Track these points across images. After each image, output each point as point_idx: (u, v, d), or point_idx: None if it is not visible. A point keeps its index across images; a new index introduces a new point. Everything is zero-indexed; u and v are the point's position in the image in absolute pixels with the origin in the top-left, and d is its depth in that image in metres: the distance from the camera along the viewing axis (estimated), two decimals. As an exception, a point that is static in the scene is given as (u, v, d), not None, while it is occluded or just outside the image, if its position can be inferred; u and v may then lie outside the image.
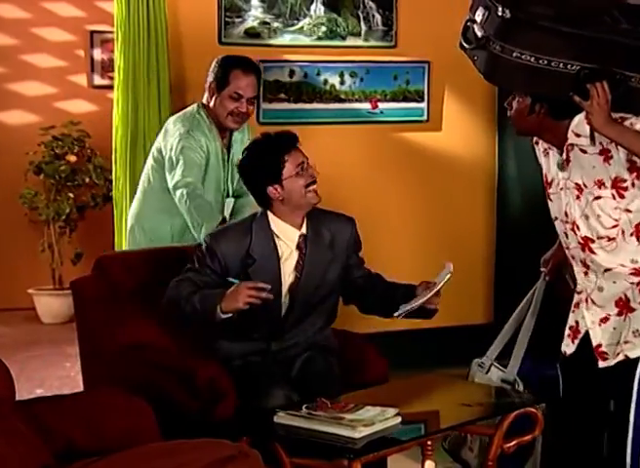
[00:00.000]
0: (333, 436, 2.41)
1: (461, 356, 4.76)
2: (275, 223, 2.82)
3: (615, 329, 2.70)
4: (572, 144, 2.68)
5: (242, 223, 2.89)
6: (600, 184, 2.67)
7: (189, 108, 3.55)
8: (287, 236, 2.83)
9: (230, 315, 2.69)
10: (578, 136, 2.67)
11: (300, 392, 2.76)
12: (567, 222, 2.76)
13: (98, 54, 6.04)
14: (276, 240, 2.82)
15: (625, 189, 2.64)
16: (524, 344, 3.03)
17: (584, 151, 2.67)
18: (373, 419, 2.48)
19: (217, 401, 2.62)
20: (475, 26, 2.55)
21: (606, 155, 2.65)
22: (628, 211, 2.65)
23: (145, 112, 4.04)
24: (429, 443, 2.82)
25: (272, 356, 2.85)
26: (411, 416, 2.64)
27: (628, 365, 2.66)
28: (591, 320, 2.74)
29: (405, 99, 4.58)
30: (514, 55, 2.50)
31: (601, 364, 2.70)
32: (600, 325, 2.72)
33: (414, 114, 4.61)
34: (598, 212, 2.68)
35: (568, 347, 2.83)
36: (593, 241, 2.70)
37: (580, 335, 2.80)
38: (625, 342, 2.67)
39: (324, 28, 4.44)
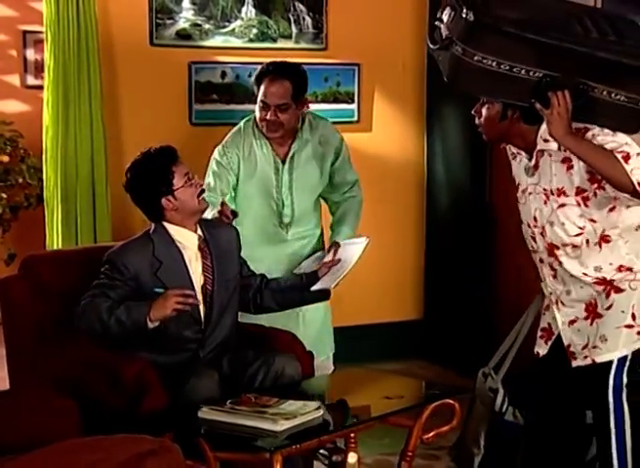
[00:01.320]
0: (255, 429, 2.46)
1: (393, 351, 4.86)
2: (174, 230, 2.89)
3: (579, 330, 2.73)
4: (541, 150, 2.67)
5: (139, 237, 2.93)
6: (561, 193, 2.66)
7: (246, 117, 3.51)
8: (187, 240, 2.91)
9: (158, 324, 2.72)
10: (546, 141, 2.65)
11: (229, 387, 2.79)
12: (536, 227, 2.75)
13: (31, 54, 5.89)
14: (178, 245, 2.89)
15: (588, 199, 2.63)
16: (512, 355, 2.99)
17: (551, 157, 2.66)
18: (295, 413, 2.52)
19: (142, 396, 2.63)
20: (442, 26, 2.52)
21: (568, 164, 2.64)
22: (593, 220, 2.65)
23: (76, 112, 4.01)
24: (352, 435, 2.87)
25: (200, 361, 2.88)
26: (333, 409, 2.69)
27: (600, 375, 2.68)
28: (562, 321, 2.77)
29: (336, 101, 4.64)
30: (475, 58, 2.46)
31: (573, 363, 2.73)
32: (569, 326, 2.75)
33: (344, 115, 4.66)
34: (563, 219, 2.68)
35: (541, 348, 2.85)
36: (558, 248, 2.71)
37: (554, 337, 2.82)
38: (594, 347, 2.69)
39: (255, 30, 4.46)
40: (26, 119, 5.68)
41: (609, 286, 2.69)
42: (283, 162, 3.39)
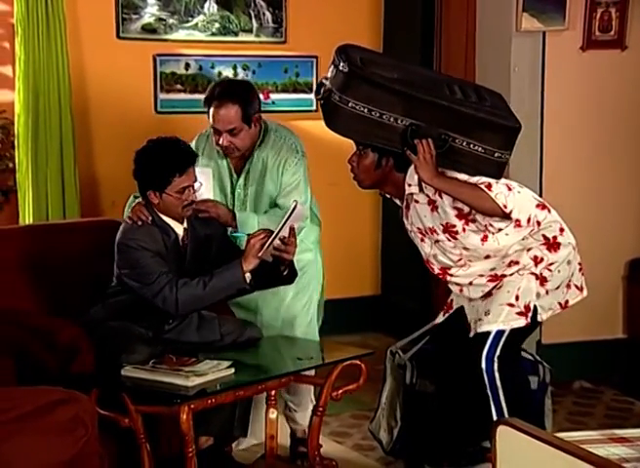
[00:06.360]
0: (170, 385, 2.57)
1: (353, 325, 4.97)
2: (165, 217, 2.91)
3: (473, 306, 2.89)
4: (410, 194, 2.81)
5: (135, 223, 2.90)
6: (432, 231, 2.81)
7: None
8: (176, 226, 2.94)
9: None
10: (409, 185, 2.80)
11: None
12: (425, 260, 2.92)
13: (23, 47, 6.07)
14: (176, 230, 2.94)
15: (457, 233, 2.77)
16: (423, 341, 3.09)
17: (417, 201, 2.81)
18: (207, 371, 2.64)
19: (73, 358, 2.76)
20: (327, 82, 2.72)
21: (433, 205, 2.78)
22: (466, 248, 2.81)
23: (46, 102, 4.13)
24: (273, 392, 2.99)
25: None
26: (246, 368, 2.81)
27: (478, 344, 2.78)
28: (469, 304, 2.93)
29: (295, 91, 4.74)
30: (350, 105, 2.63)
31: (470, 334, 2.86)
32: (471, 304, 2.93)
33: (303, 104, 4.77)
34: (442, 251, 2.85)
35: (437, 318, 3.02)
36: (450, 268, 2.87)
37: (452, 311, 2.98)
38: (479, 319, 2.83)
39: (217, 25, 4.58)
40: (18, 108, 5.86)
41: (501, 278, 2.84)
42: (238, 175, 3.23)
